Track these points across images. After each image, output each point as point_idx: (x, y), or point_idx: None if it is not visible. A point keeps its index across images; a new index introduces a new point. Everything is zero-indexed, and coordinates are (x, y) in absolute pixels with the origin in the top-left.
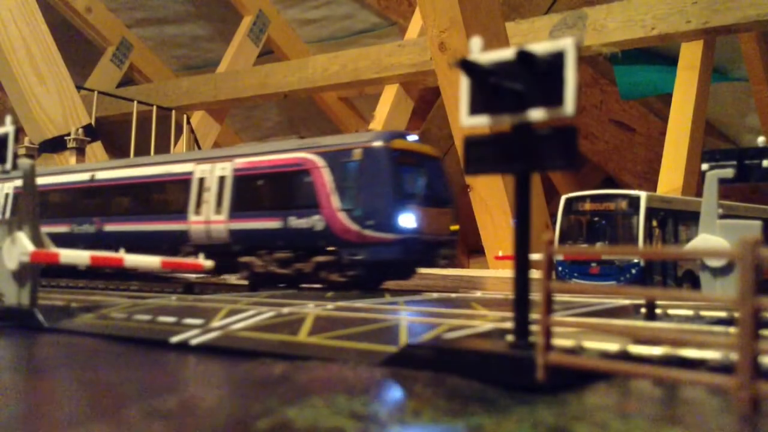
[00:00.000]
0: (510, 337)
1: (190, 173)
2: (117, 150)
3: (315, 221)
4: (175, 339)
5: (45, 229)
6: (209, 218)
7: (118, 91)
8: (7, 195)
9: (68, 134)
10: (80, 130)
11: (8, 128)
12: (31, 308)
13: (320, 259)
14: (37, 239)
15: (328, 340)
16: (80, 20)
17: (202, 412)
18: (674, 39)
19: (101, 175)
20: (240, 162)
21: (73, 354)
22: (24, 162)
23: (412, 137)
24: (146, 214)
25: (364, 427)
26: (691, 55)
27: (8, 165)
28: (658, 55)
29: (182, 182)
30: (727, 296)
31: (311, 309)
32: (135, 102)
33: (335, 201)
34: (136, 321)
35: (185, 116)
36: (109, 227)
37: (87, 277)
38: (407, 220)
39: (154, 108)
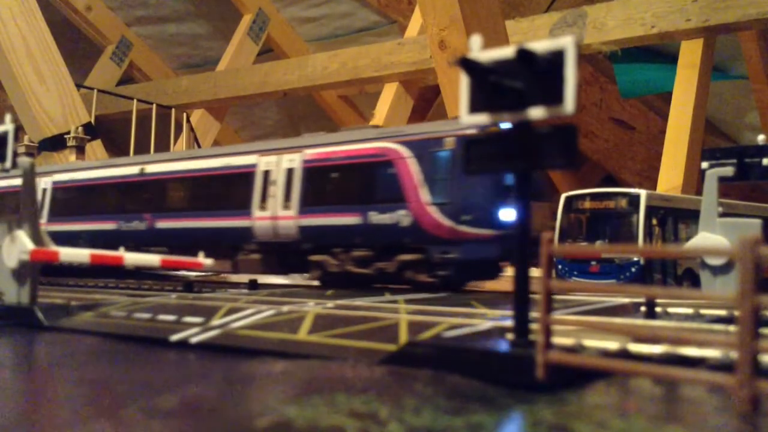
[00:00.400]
0: (510, 336)
1: (253, 165)
2: (116, 148)
3: (400, 216)
4: (175, 337)
5: (87, 227)
6: (276, 214)
7: (118, 90)
8: (44, 190)
9: (68, 133)
10: (80, 129)
11: (8, 127)
12: (31, 306)
13: (405, 257)
14: (37, 237)
15: (328, 339)
16: (80, 18)
17: (202, 411)
18: (674, 37)
19: (152, 168)
20: (311, 153)
21: (73, 352)
22: (24, 160)
23: (506, 124)
24: (204, 210)
25: (364, 425)
26: (691, 54)
27: (8, 163)
28: (658, 53)
29: (244, 175)
30: (727, 294)
31: (311, 307)
32: (135, 100)
33: (424, 194)
34: (135, 319)
35: (185, 114)
36: (162, 224)
37: (108, 277)
38: (509, 214)
39: (154, 106)
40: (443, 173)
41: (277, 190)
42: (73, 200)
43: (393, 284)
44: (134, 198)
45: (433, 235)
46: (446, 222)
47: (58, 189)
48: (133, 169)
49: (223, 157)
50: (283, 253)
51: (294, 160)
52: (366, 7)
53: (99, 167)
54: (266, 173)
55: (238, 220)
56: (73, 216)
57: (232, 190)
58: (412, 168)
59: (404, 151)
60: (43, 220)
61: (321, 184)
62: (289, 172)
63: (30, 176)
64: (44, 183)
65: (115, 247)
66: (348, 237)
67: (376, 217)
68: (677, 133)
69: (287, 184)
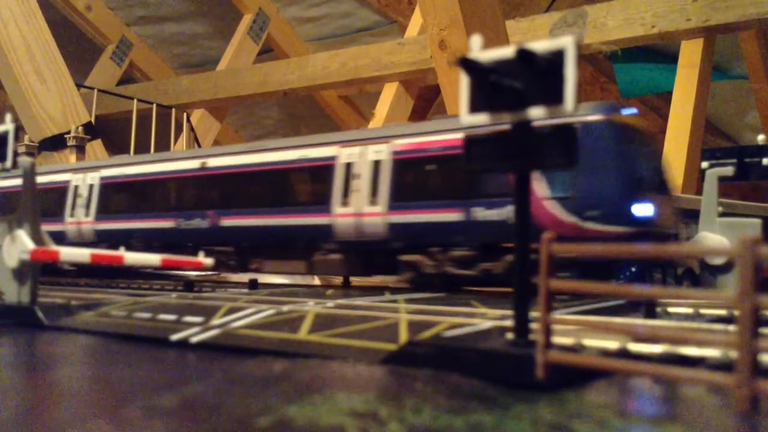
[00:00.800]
0: (510, 335)
1: (333, 158)
2: (116, 148)
3: (511, 212)
4: (175, 337)
5: (141, 225)
6: (361, 210)
7: (118, 89)
8: (91, 186)
9: (68, 132)
10: (80, 128)
11: (8, 126)
12: (32, 306)
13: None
14: (37, 237)
15: (328, 338)
16: (80, 18)
17: (202, 410)
18: (674, 37)
19: (215, 162)
20: (401, 143)
21: (73, 352)
22: (24, 160)
23: (630, 110)
24: (275, 206)
25: (364, 424)
26: (691, 53)
27: (8, 163)
28: (658, 53)
29: (322, 168)
30: (727, 294)
31: (311, 307)
32: (135, 100)
33: (541, 188)
34: (136, 319)
35: (185, 114)
36: (228, 222)
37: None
38: (643, 209)
39: (154, 106)
40: None
41: (361, 184)
42: (125, 197)
43: (501, 287)
44: (195, 194)
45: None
46: (569, 218)
47: (107, 185)
48: (193, 163)
49: (296, 149)
50: (367, 253)
51: (381, 152)
52: (366, 7)
53: (154, 161)
54: (348, 166)
55: (316, 217)
56: (124, 214)
57: (308, 184)
58: None
59: None
60: (90, 218)
61: (415, 178)
62: (376, 164)
63: (30, 176)
64: (90, 179)
65: (173, 247)
66: (447, 235)
67: (482, 213)
68: (677, 132)
69: (374, 178)
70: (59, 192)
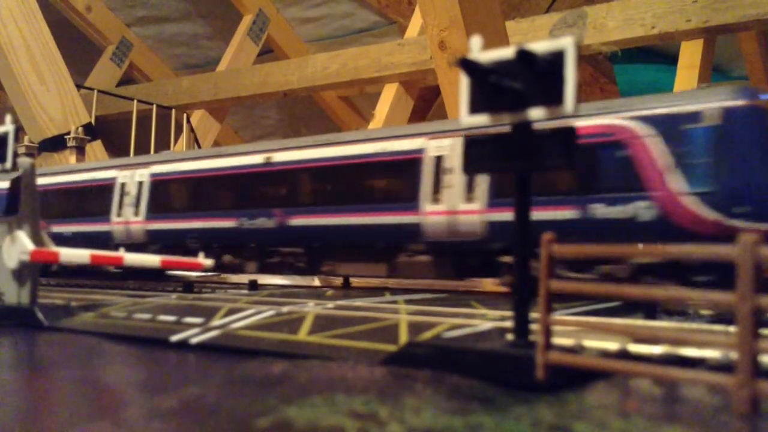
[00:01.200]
0: (510, 336)
1: (420, 151)
2: (116, 149)
3: (639, 209)
4: (175, 338)
5: (198, 225)
6: (454, 208)
7: (118, 90)
8: (140, 184)
9: (68, 133)
10: (80, 129)
11: (8, 127)
12: (31, 307)
13: (644, 259)
14: (37, 238)
15: (327, 339)
16: (80, 19)
17: (202, 411)
18: (674, 38)
19: (281, 156)
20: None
21: (73, 353)
22: (24, 161)
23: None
24: (352, 203)
25: (364, 425)
26: (691, 54)
27: (8, 164)
28: (658, 53)
29: (408, 163)
30: (727, 295)
31: (311, 308)
32: (135, 101)
33: (675, 181)
34: (136, 320)
35: (185, 115)
36: (297, 221)
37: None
38: None
39: (154, 107)
40: (704, 154)
41: (455, 180)
42: (179, 195)
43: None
44: (260, 191)
45: (689, 232)
46: (710, 215)
47: (159, 182)
48: (256, 158)
49: (376, 141)
50: (460, 255)
51: None
52: (366, 7)
53: (210, 156)
54: (438, 159)
55: (400, 215)
56: (178, 213)
57: (391, 180)
58: (654, 149)
59: (641, 129)
60: (140, 218)
61: None
62: None
63: (30, 176)
64: (139, 176)
65: (233, 248)
66: (559, 235)
67: (602, 211)
68: None
69: None
70: (102, 190)
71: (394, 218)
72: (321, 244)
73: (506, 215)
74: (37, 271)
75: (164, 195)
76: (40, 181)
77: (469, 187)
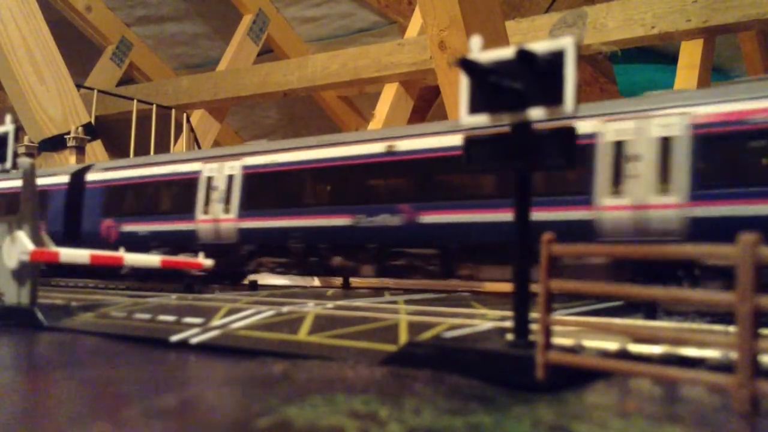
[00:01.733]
0: (510, 336)
1: (592, 135)
2: (116, 149)
3: None
4: (175, 338)
5: (303, 223)
6: (645, 201)
7: (118, 90)
8: (230, 177)
9: (68, 133)
10: (80, 129)
11: (8, 127)
12: (31, 307)
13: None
14: (36, 238)
15: (327, 339)
16: (80, 19)
17: (202, 411)
18: (674, 38)
19: (409, 144)
20: (704, 113)
21: (73, 353)
22: (24, 161)
23: None
24: (503, 197)
25: (364, 425)
26: (690, 54)
27: (8, 164)
28: (658, 53)
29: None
30: (727, 295)
31: (311, 308)
32: (135, 101)
33: None
34: (136, 320)
35: (185, 115)
36: (430, 218)
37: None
38: None
39: (154, 107)
40: None
41: (643, 168)
42: (278, 189)
43: None
44: (382, 184)
45: None
46: None
47: (253, 175)
48: (375, 147)
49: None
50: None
51: (671, 126)
52: (366, 7)
53: (313, 146)
54: (618, 145)
55: (566, 211)
56: (279, 209)
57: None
58: None
59: None
60: (231, 215)
61: (721, 158)
62: (665, 142)
63: (30, 176)
64: (229, 168)
65: (346, 249)
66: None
67: None
68: None
69: (663, 161)
70: (184, 185)
71: (556, 214)
72: (458, 245)
73: (717, 210)
74: (38, 272)
75: (261, 190)
76: (113, 175)
77: (664, 177)
